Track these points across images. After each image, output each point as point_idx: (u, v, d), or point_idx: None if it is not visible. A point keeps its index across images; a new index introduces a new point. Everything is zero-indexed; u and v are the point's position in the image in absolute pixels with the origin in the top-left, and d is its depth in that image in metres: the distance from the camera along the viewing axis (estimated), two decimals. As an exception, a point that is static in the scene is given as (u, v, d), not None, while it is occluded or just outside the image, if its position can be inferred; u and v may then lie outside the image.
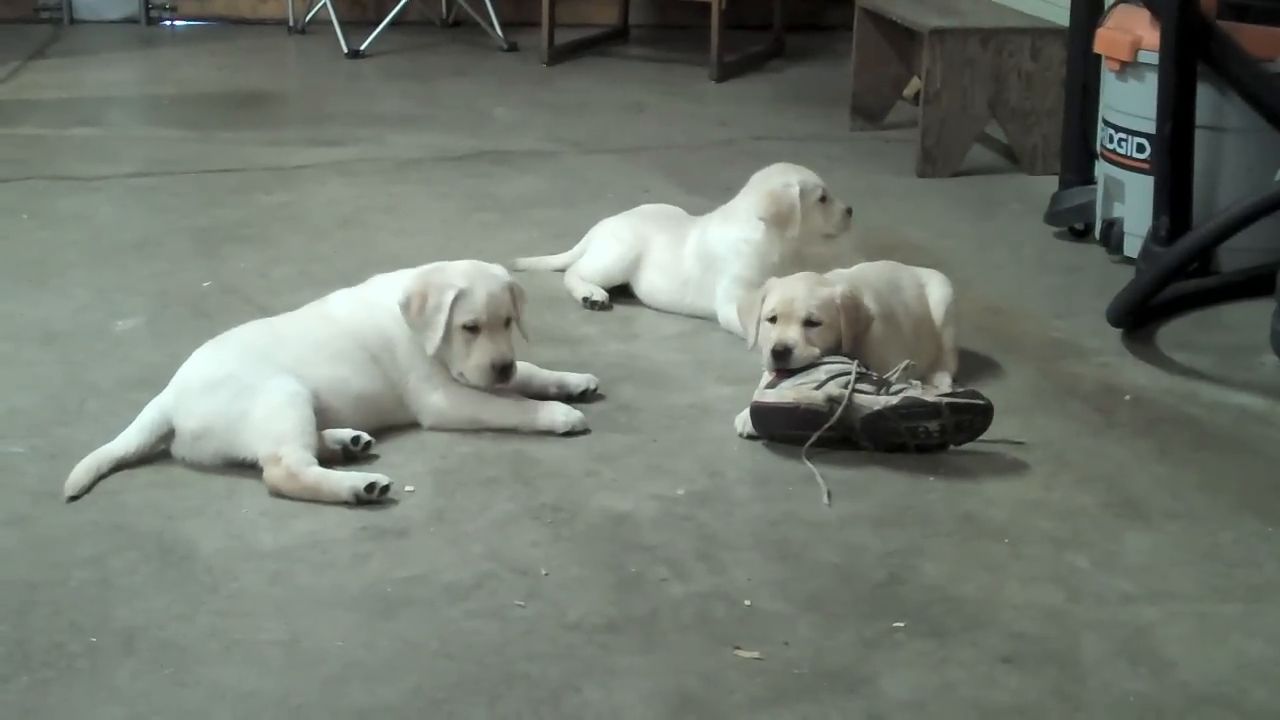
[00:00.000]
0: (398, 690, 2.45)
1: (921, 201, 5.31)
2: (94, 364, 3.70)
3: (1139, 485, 3.20)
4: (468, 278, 3.39)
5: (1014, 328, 4.09)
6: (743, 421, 3.37)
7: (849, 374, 3.27)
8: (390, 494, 3.05)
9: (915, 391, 3.27)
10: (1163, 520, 3.06)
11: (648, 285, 4.20)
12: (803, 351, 3.34)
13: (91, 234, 4.72)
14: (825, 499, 3.10)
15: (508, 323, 3.42)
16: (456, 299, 3.34)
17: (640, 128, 6.35)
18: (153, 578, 2.78)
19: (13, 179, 5.28)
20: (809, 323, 3.37)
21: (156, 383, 3.31)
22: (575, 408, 3.43)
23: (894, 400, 3.24)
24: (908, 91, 6.43)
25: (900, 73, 6.35)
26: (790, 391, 3.28)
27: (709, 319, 4.07)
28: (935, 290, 3.71)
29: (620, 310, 4.18)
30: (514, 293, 3.44)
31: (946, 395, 3.30)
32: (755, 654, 2.57)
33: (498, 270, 3.48)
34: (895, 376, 3.32)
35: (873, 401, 3.25)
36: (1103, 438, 3.44)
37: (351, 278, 4.37)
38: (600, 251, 4.26)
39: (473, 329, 3.36)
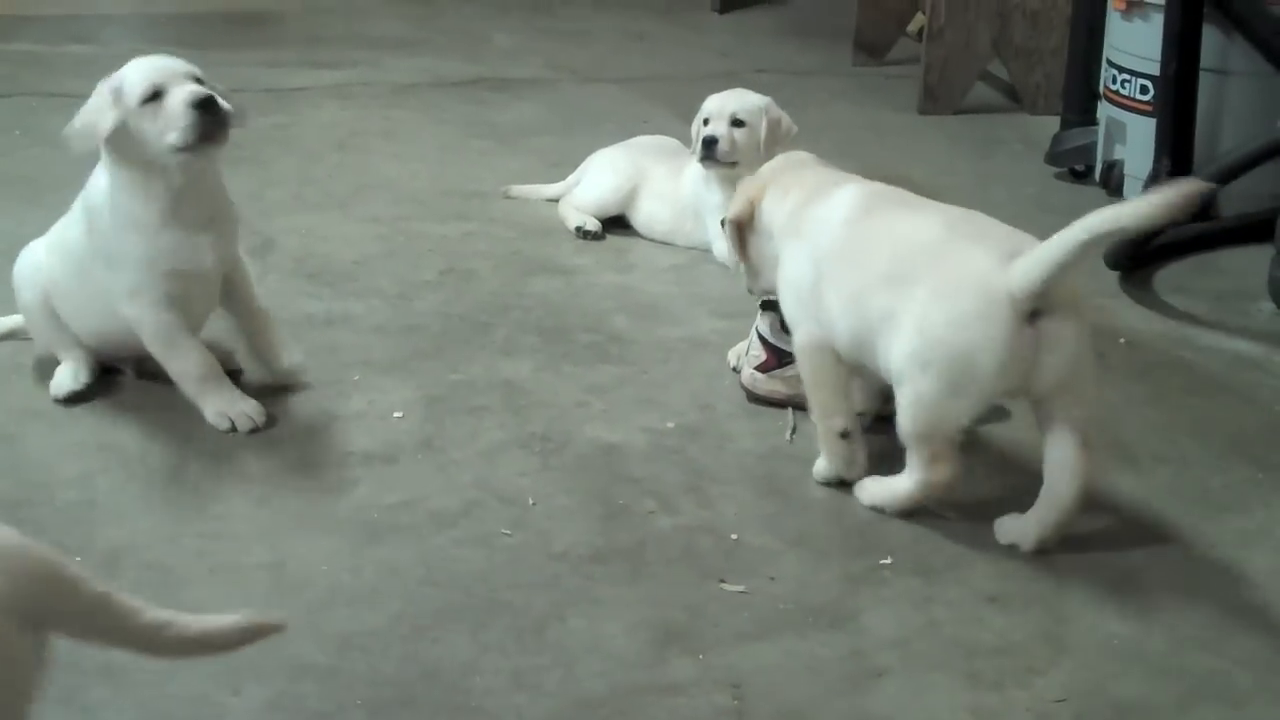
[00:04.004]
0: (382, 616, 2.45)
1: (922, 139, 5.27)
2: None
3: (1130, 429, 3.18)
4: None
5: (1011, 268, 4.06)
6: (734, 354, 3.35)
7: None
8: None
9: None
10: (1153, 464, 3.05)
11: (646, 215, 4.17)
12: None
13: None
14: (788, 435, 3.09)
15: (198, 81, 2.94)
16: (116, 89, 2.94)
17: (641, 57, 6.30)
18: (138, 499, 2.78)
19: (5, 95, 5.24)
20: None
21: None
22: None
23: None
24: (911, 28, 6.37)
25: (904, 8, 6.29)
26: (781, 384, 3.21)
27: (706, 250, 4.05)
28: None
29: (613, 241, 4.15)
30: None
31: None
32: (740, 588, 2.57)
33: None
34: None
35: None
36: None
37: (345, 201, 4.38)
38: (596, 182, 4.23)
39: (155, 96, 2.90)
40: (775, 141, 3.90)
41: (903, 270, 2.64)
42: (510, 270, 3.91)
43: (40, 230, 3.94)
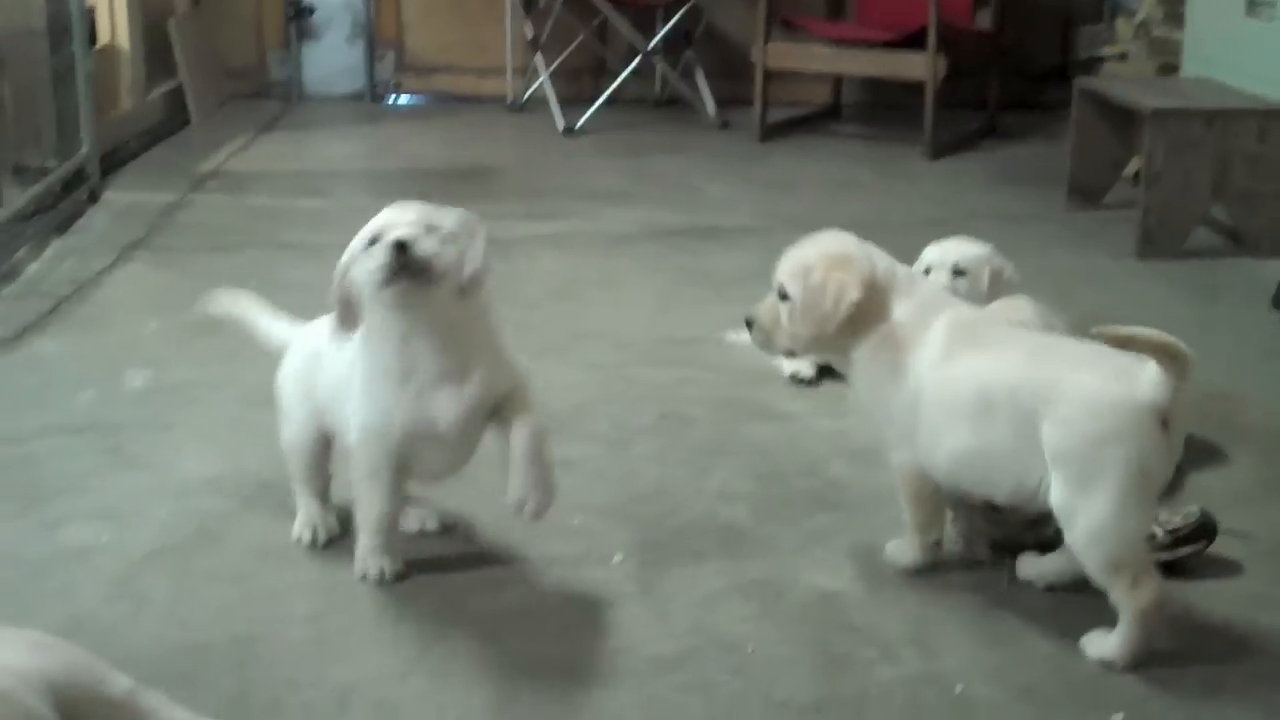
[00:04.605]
0: (604, 760, 2.46)
1: (1141, 284, 5.20)
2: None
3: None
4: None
5: (1239, 415, 3.96)
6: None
7: None
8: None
9: None
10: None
11: None
12: None
13: (315, 301, 4.85)
14: (1004, 584, 3.05)
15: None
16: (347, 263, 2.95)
17: (851, 205, 6.35)
18: (368, 638, 2.84)
19: (243, 246, 5.49)
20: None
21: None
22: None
23: None
24: (1127, 171, 6.31)
25: (1119, 153, 6.24)
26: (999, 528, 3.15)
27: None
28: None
29: (828, 387, 4.16)
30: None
31: (1173, 531, 3.09)
32: (966, 741, 2.52)
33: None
34: None
35: None
36: (1333, 532, 3.31)
37: (564, 347, 4.48)
38: None
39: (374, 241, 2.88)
40: (997, 291, 3.77)
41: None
42: (726, 416, 3.95)
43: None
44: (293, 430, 3.23)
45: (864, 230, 3.17)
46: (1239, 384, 4.17)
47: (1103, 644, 2.75)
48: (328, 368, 3.14)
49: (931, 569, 3.09)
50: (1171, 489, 3.39)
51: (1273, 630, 2.88)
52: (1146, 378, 2.64)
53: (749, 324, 3.14)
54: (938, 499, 3.04)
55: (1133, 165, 6.21)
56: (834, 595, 3.01)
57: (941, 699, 2.65)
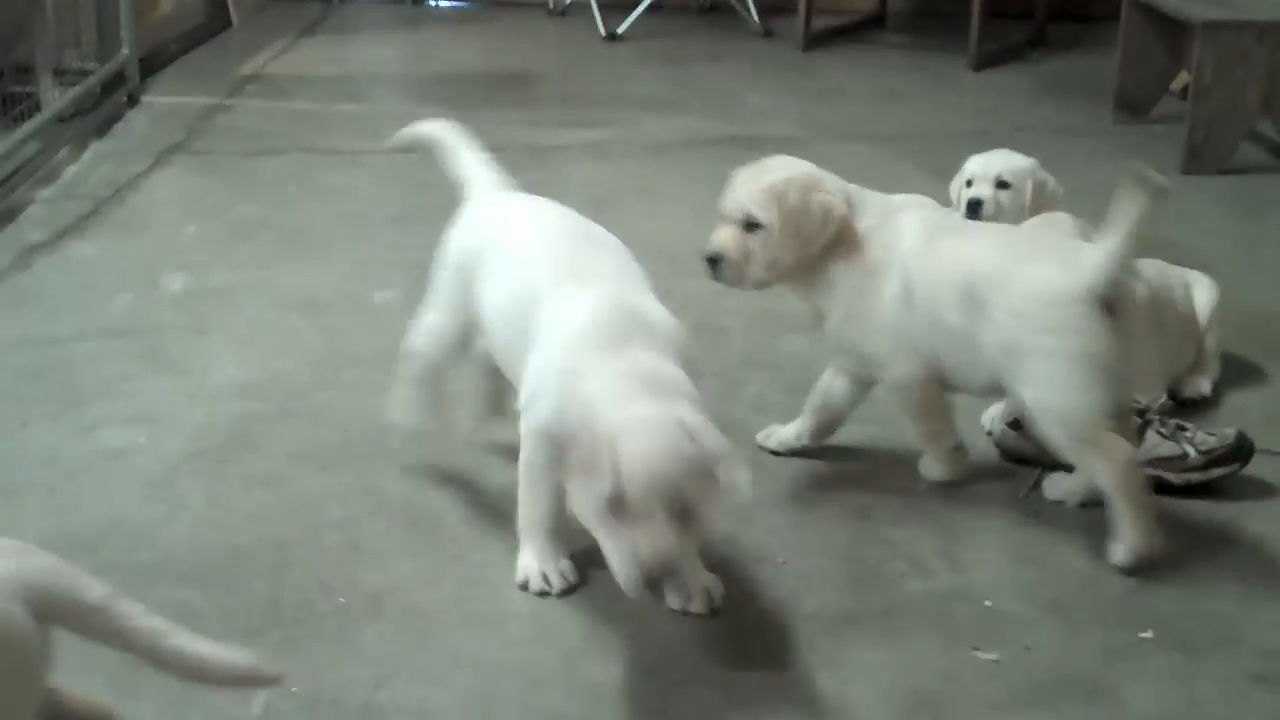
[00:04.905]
0: (633, 668, 2.48)
1: (1186, 200, 5.12)
2: (353, 333, 3.82)
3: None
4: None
5: (1280, 333, 3.93)
6: (990, 420, 3.30)
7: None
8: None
9: (1173, 446, 3.08)
10: None
11: None
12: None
13: (354, 207, 4.87)
14: (1023, 493, 3.06)
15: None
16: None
17: (895, 115, 6.28)
18: (401, 544, 2.86)
19: (282, 151, 5.48)
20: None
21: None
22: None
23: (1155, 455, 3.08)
24: (1175, 85, 6.21)
25: (1168, 66, 6.14)
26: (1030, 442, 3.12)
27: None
28: (1201, 292, 3.57)
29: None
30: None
31: (1207, 452, 3.08)
32: (994, 656, 2.52)
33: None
34: (1153, 408, 3.19)
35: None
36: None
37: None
38: None
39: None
40: (1041, 205, 3.74)
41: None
42: (761, 328, 3.93)
43: (320, 280, 4.14)
44: (434, 316, 3.01)
45: (908, 142, 3.15)
46: (1282, 302, 4.13)
47: (1116, 550, 2.78)
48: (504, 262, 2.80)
49: (966, 483, 3.08)
50: (1208, 408, 3.39)
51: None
52: (1088, 265, 2.72)
53: (713, 262, 3.02)
54: (943, 403, 3.05)
55: (1180, 79, 6.11)
56: (865, 508, 3.01)
57: (971, 613, 2.65)
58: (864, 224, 2.99)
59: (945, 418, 3.08)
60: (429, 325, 3.00)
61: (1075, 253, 2.81)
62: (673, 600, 2.62)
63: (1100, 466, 2.77)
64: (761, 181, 3.00)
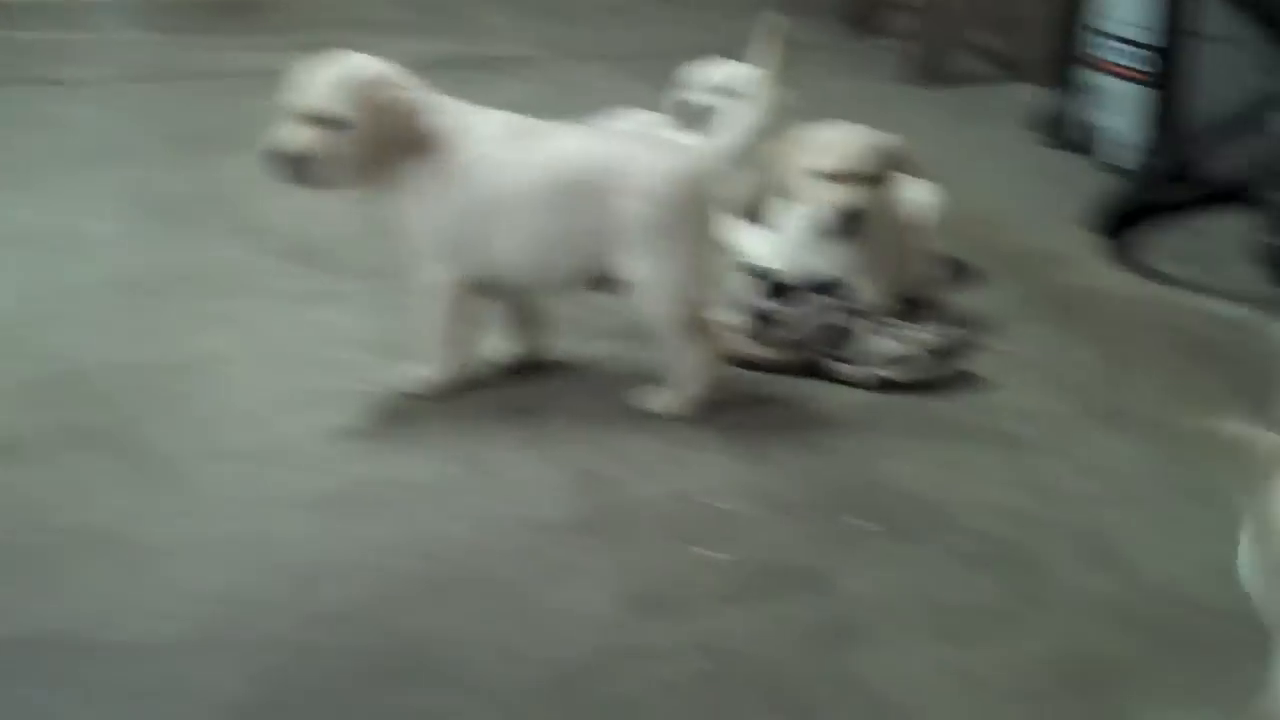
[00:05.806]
0: (364, 590, 2.46)
1: (908, 110, 5.25)
2: (69, 267, 3.68)
3: (1112, 391, 3.19)
4: None
5: (1000, 237, 4.07)
6: None
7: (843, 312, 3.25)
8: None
9: (897, 346, 3.21)
10: (1133, 425, 3.05)
11: None
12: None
13: (70, 138, 4.68)
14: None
15: None
16: None
17: (624, 32, 6.30)
18: (112, 476, 2.77)
19: (2, 83, 5.24)
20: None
21: (132, 286, 3.29)
22: None
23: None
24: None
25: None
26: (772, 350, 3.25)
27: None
28: (923, 199, 3.68)
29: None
30: None
31: (933, 350, 3.22)
32: (717, 553, 2.58)
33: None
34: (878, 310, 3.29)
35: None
36: (1081, 344, 3.44)
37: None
38: None
39: None
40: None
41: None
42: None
43: (32, 214, 3.97)
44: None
45: (635, 61, 3.17)
46: (1001, 207, 4.27)
47: (656, 399, 3.03)
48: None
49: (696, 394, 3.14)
50: (934, 309, 3.50)
51: (1019, 436, 3.00)
52: (696, 152, 2.96)
53: (297, 162, 2.89)
54: (473, 312, 3.07)
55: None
56: (592, 418, 3.03)
57: (701, 514, 2.70)
58: (442, 124, 2.97)
59: (473, 326, 3.08)
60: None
61: (681, 142, 3.06)
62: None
63: (690, 351, 2.98)
64: (342, 77, 2.92)
